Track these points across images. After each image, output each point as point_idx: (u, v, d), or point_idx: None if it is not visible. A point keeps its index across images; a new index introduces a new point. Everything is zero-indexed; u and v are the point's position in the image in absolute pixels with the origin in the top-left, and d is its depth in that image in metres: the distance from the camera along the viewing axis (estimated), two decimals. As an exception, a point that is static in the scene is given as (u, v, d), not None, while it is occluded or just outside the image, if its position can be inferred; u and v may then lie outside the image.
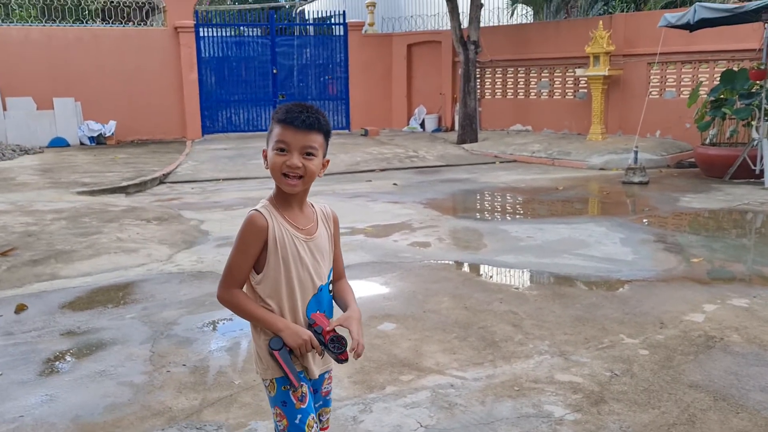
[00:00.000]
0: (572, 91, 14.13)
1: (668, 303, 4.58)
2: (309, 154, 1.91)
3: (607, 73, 12.54)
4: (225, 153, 12.80)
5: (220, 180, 10.46)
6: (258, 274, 1.96)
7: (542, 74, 14.58)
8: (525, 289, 5.09)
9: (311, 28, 17.67)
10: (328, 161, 2.03)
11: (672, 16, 9.83)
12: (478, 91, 14.95)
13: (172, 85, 15.09)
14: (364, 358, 3.73)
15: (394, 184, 9.91)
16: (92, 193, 8.96)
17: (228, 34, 15.91)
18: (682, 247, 6.16)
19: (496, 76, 15.37)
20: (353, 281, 5.18)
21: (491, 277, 5.51)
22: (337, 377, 3.51)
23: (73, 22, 15.78)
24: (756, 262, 5.85)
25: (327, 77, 16.59)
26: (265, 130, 15.21)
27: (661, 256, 5.85)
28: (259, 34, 16.51)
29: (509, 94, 15.22)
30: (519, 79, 15.00)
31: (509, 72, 15.13)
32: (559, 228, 6.91)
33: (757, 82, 9.64)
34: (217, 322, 4.44)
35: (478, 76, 14.61)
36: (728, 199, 8.37)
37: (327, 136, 1.98)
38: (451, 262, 5.82)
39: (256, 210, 1.95)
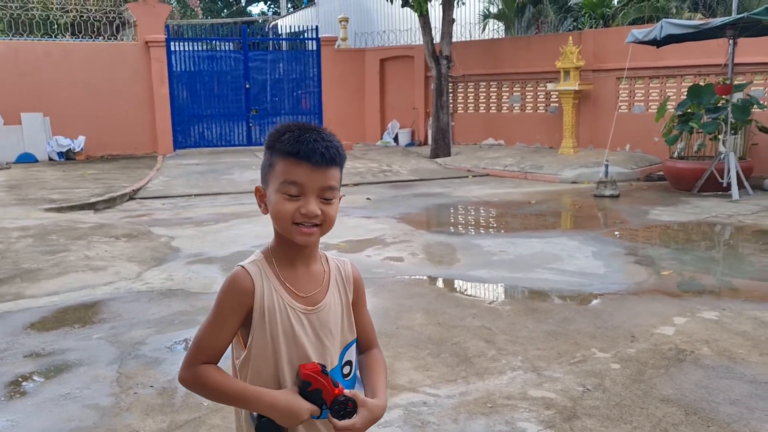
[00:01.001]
0: (543, 105, 14.29)
1: (639, 316, 4.61)
2: (328, 197, 1.48)
3: (577, 88, 12.71)
4: (197, 168, 12.68)
5: (192, 196, 10.35)
6: (242, 350, 1.53)
7: (514, 89, 14.73)
8: (498, 304, 5.09)
9: (284, 43, 17.67)
10: (341, 197, 1.58)
11: (639, 32, 10.00)
12: (451, 105, 15.04)
13: (143, 100, 14.94)
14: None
15: (368, 198, 9.89)
16: (60, 209, 8.80)
17: (200, 48, 15.82)
18: (652, 260, 6.22)
19: (469, 90, 15.49)
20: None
21: (464, 292, 5.50)
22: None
23: (41, 36, 15.56)
24: (725, 274, 5.93)
25: (300, 92, 16.57)
26: (238, 145, 15.10)
27: (632, 269, 5.90)
28: (231, 48, 16.44)
29: (482, 108, 15.34)
30: (491, 94, 15.13)
31: (481, 86, 15.25)
32: (531, 242, 6.94)
33: (723, 96, 9.82)
34: (187, 342, 4.36)
35: (450, 90, 14.71)
36: (697, 211, 8.49)
37: (343, 166, 1.54)
38: (424, 278, 5.80)
39: (241, 266, 1.51)
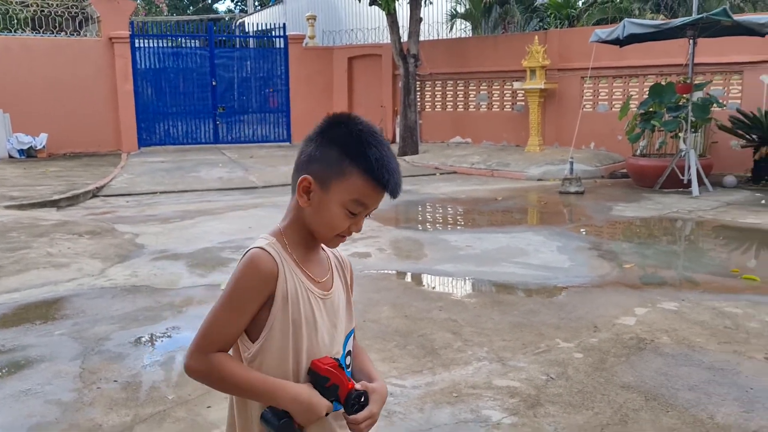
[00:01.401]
0: (510, 103, 14.43)
1: (602, 307, 4.69)
2: (369, 214, 1.47)
3: (543, 87, 12.86)
4: (162, 166, 12.53)
5: (157, 193, 10.22)
6: (253, 342, 1.42)
7: (481, 87, 14.84)
8: (464, 297, 5.14)
9: (251, 41, 17.55)
10: None
11: (603, 31, 10.16)
12: (419, 103, 15.10)
13: (107, 97, 14.70)
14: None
15: (336, 195, 9.88)
16: (21, 207, 8.62)
17: (165, 45, 15.63)
18: (615, 254, 6.33)
19: (436, 89, 15.56)
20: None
21: (431, 285, 5.54)
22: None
23: (0, 31, 15.22)
24: (685, 267, 6.07)
25: (268, 90, 16.48)
26: (205, 143, 14.95)
27: (595, 263, 6.00)
28: (197, 45, 16.29)
29: (449, 106, 15.43)
30: (458, 92, 15.23)
31: (449, 85, 15.34)
32: (498, 237, 7.01)
33: (684, 95, 10.03)
34: (151, 337, 4.32)
35: (418, 89, 14.76)
36: (658, 207, 8.66)
37: None
38: (391, 272, 5.82)
39: (260, 248, 1.40)
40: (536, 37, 13.10)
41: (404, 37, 14.14)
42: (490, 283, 5.42)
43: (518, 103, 14.15)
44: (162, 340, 4.30)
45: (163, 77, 15.36)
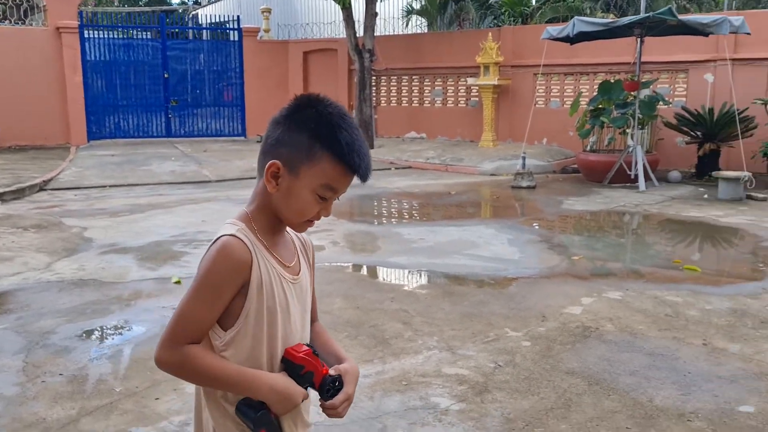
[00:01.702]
0: (465, 99, 14.57)
1: (550, 298, 4.80)
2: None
3: (496, 83, 13.02)
4: (112, 159, 12.27)
5: (106, 187, 10.01)
6: (225, 331, 1.38)
7: (436, 83, 14.95)
8: (416, 288, 5.19)
9: (205, 33, 17.30)
10: None
11: (554, 29, 10.35)
12: (374, 98, 15.12)
13: (55, 89, 14.31)
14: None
15: (290, 189, 9.83)
16: (-37, 200, 8.34)
17: (116, 36, 15.29)
18: (564, 247, 6.47)
19: (392, 84, 15.61)
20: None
21: (384, 277, 5.58)
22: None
23: (-59, 19, 14.67)
24: (630, 258, 6.24)
25: (222, 83, 16.28)
26: (157, 136, 14.67)
27: (545, 255, 6.12)
28: (149, 37, 15.97)
29: (404, 102, 15.50)
30: (413, 88, 15.31)
31: (404, 80, 15.40)
32: (450, 230, 7.09)
33: (631, 92, 10.29)
34: (99, 330, 4.25)
35: (373, 84, 14.78)
36: (606, 201, 8.87)
37: None
38: (345, 265, 5.84)
39: (232, 235, 1.36)
40: (490, 34, 13.26)
41: (360, 32, 14.14)
42: (441, 275, 5.49)
43: (472, 98, 14.30)
44: (110, 334, 4.24)
45: (114, 69, 15.03)
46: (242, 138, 15.94)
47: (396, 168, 12.37)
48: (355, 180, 1.42)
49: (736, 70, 10.85)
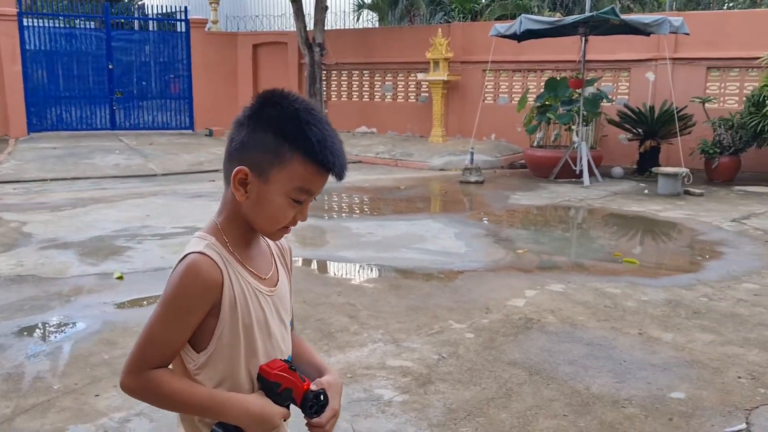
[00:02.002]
0: (415, 94, 14.65)
1: (494, 290, 4.89)
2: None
3: (446, 78, 13.13)
4: (54, 152, 11.91)
5: (47, 180, 9.73)
6: (198, 353, 1.29)
7: (386, 78, 14.98)
8: (364, 282, 5.22)
9: (152, 24, 16.91)
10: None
11: (501, 26, 10.49)
12: (325, 93, 15.06)
13: (-7, 79, 13.80)
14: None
15: (239, 184, 9.74)
16: None
17: (58, 25, 14.82)
18: (510, 240, 6.59)
19: (342, 78, 15.58)
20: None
21: (331, 271, 5.59)
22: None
23: None
24: (573, 252, 6.40)
25: (170, 75, 15.96)
26: (101, 129, 14.30)
27: (491, 249, 6.22)
28: (93, 27, 15.54)
29: (355, 96, 15.49)
30: (364, 82, 15.31)
31: (354, 75, 15.39)
32: (399, 224, 7.14)
33: (576, 90, 10.52)
34: (37, 327, 4.14)
35: (324, 78, 14.72)
36: (552, 196, 9.06)
37: None
38: (293, 259, 5.81)
39: (200, 253, 1.26)
40: (440, 30, 13.36)
41: (310, 26, 14.05)
42: (389, 269, 5.52)
43: (422, 94, 14.39)
44: (49, 330, 4.14)
45: (56, 59, 14.57)
46: (190, 131, 15.67)
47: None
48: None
49: (676, 69, 11.20)
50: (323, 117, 1.30)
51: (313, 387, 1.32)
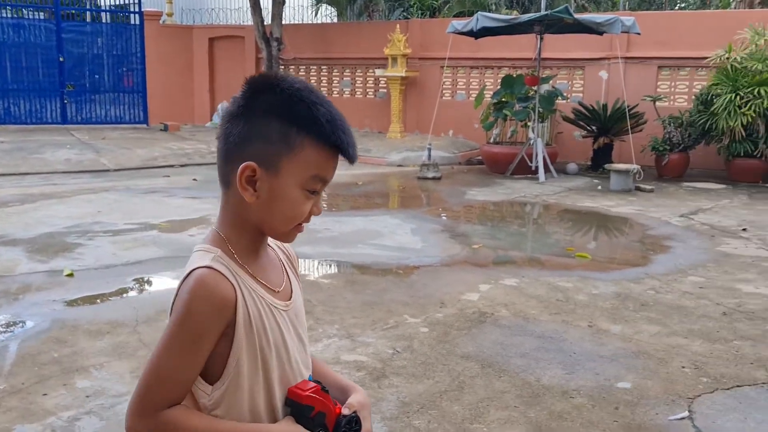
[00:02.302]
0: (373, 90, 14.66)
1: (449, 285, 4.94)
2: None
3: (404, 75, 13.17)
4: (1, 146, 11.53)
5: (-5, 175, 9.45)
6: (212, 385, 1.15)
7: (344, 73, 14.96)
8: (320, 278, 5.22)
9: (104, 15, 16.55)
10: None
11: (458, 23, 10.57)
12: (283, 88, 14.96)
13: (-64, 70, 13.34)
14: (149, 352, 3.60)
15: (194, 179, 9.62)
16: None
17: (5, 15, 14.40)
18: (466, 236, 6.66)
19: (300, 73, 15.48)
20: (144, 275, 4.99)
21: (288, 267, 5.57)
22: (118, 373, 3.37)
23: None
24: (527, 247, 6.51)
25: (123, 68, 15.65)
26: (52, 123, 13.96)
27: (447, 244, 6.28)
28: (42, 17, 15.14)
29: (313, 92, 15.42)
30: (322, 78, 15.25)
31: (312, 70, 15.33)
32: (355, 220, 7.15)
33: (532, 87, 10.67)
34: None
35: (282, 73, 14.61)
36: (508, 192, 9.18)
37: None
38: (248, 255, 5.78)
39: (208, 267, 1.12)
40: (398, 26, 13.38)
41: (267, 20, 13.94)
42: (345, 265, 5.53)
43: (380, 90, 14.41)
44: (-6, 329, 4.03)
45: (3, 50, 14.13)
46: (144, 126, 15.39)
47: (304, 158, 12.30)
48: None
49: (628, 68, 11.45)
50: (325, 96, 1.20)
51: (345, 411, 1.21)
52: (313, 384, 1.20)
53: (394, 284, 4.98)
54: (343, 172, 8.55)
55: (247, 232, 1.19)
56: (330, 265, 5.55)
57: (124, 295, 4.67)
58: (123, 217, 6.90)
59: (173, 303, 1.13)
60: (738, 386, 3.33)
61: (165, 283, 4.93)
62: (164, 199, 8.10)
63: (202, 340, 1.10)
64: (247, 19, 15.31)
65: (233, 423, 1.14)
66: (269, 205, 1.15)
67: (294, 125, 1.13)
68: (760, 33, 10.01)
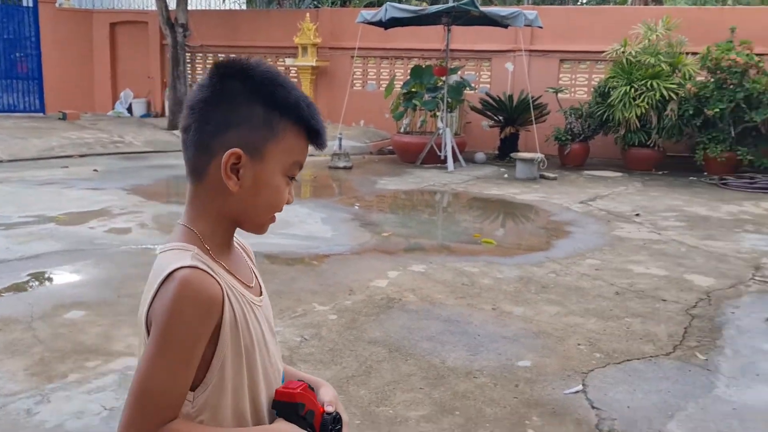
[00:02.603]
0: (283, 80, 14.48)
1: (358, 272, 4.97)
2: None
3: (315, 64, 13.10)
4: None
5: None
6: (193, 391, 1.07)
7: (254, 62, 14.70)
8: (227, 268, 5.13)
9: (-6, -3, 15.58)
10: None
11: (368, 13, 10.62)
12: (190, 76, 14.56)
13: None
14: (44, 348, 3.45)
15: (95, 170, 9.23)
16: None
17: None
18: (376, 224, 6.72)
19: (208, 61, 15.11)
20: (41, 270, 4.77)
21: (194, 259, 5.45)
22: (11, 371, 3.21)
23: None
24: (435, 234, 6.64)
25: (16, 53, 14.76)
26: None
27: (357, 233, 6.32)
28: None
29: (222, 80, 15.08)
30: (231, 66, 14.93)
31: (221, 58, 14.97)
32: (265, 210, 7.06)
33: (441, 78, 10.86)
34: None
35: (188, 60, 14.22)
36: (418, 181, 9.32)
37: None
38: (152, 247, 5.61)
39: (192, 267, 1.04)
40: (308, 15, 13.29)
41: (172, 5, 13.50)
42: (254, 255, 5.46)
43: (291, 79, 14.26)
44: None
45: None
46: (41, 114, 14.59)
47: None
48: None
49: (532, 61, 11.83)
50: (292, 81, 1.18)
51: (329, 409, 1.20)
52: (299, 383, 1.17)
53: (303, 273, 4.97)
54: (252, 161, 8.44)
55: (222, 227, 1.14)
56: (238, 256, 5.47)
57: (19, 290, 4.44)
58: (17, 210, 6.54)
59: (148, 310, 1.05)
60: (628, 360, 3.53)
61: (63, 277, 4.73)
62: (63, 190, 7.74)
63: (195, 347, 1.02)
64: (151, 4, 14.77)
65: (236, 429, 1.10)
66: (253, 193, 1.11)
67: (277, 110, 1.10)
68: (652, 29, 10.57)
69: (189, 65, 14.52)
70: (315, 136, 1.14)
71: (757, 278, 5.01)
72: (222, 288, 1.05)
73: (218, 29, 14.69)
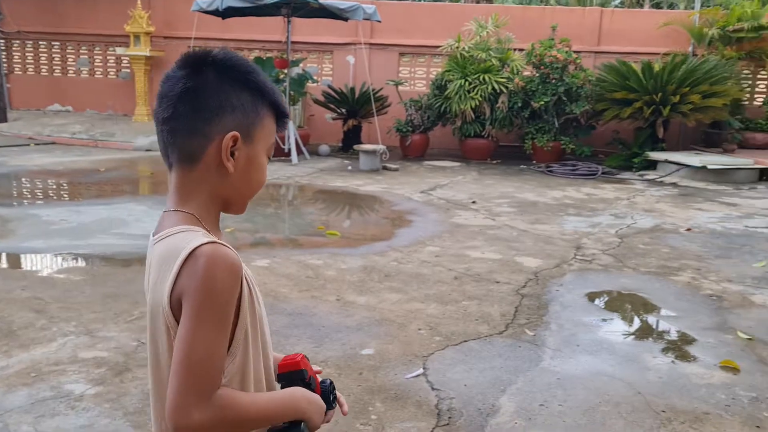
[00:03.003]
0: (115, 70, 13.68)
1: (200, 270, 4.81)
2: None
3: (148, 54, 12.47)
4: None
5: None
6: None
7: (81, 51, 13.73)
8: (54, 273, 4.77)
9: None
10: None
11: (203, 1, 10.24)
12: (5, 65, 13.32)
13: None
14: None
15: None
16: None
17: None
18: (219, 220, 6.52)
19: (27, 49, 13.90)
20: None
21: (15, 265, 5.01)
22: None
23: None
24: (279, 228, 6.59)
25: None
26: None
27: (198, 229, 6.10)
28: None
29: (44, 70, 13.93)
30: (54, 55, 13.85)
31: (42, 46, 13.83)
32: (97, 209, 6.64)
33: (283, 70, 10.76)
34: None
35: (3, 48, 13.00)
36: (262, 174, 9.17)
37: None
38: (-36, 254, 5.09)
39: (213, 242, 1.08)
40: (139, 2, 12.60)
41: (-18, -13, 12.27)
42: (84, 257, 5.12)
43: (123, 70, 13.51)
44: None
45: None
46: None
47: (36, 144, 11.12)
48: None
49: (373, 54, 12.07)
50: None
51: (321, 378, 1.28)
52: (297, 354, 1.24)
53: (140, 274, 4.68)
54: (82, 158, 8.03)
55: (214, 209, 1.19)
56: (66, 259, 5.09)
57: None
58: None
59: (170, 291, 1.05)
60: (465, 341, 3.71)
61: None
62: None
63: (230, 314, 1.08)
64: (-43, -15, 13.33)
65: (265, 394, 1.17)
66: (246, 174, 1.17)
67: (258, 94, 1.17)
68: (483, 26, 11.15)
69: (5, 53, 13.28)
70: (282, 118, 1.23)
71: (578, 257, 5.46)
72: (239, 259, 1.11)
73: (38, 14, 13.53)
